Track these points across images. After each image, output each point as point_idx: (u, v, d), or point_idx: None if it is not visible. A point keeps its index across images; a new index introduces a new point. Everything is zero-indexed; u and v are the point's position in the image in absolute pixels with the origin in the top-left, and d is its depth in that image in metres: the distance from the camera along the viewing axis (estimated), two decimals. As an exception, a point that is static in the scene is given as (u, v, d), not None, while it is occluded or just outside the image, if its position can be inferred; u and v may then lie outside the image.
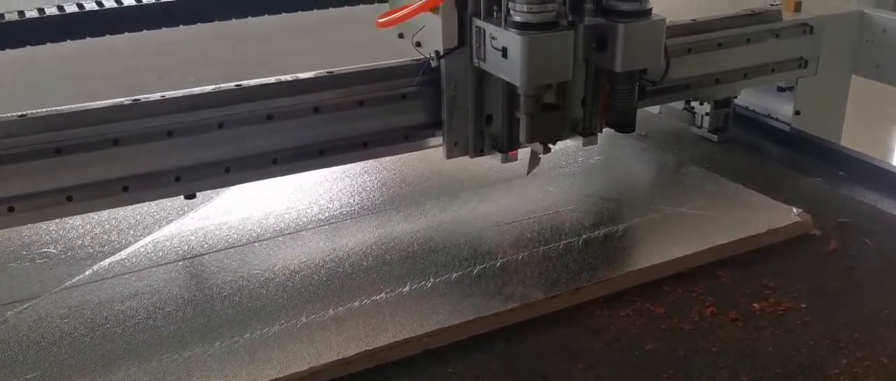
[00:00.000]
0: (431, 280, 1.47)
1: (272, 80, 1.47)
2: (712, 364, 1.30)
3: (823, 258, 1.58)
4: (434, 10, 1.47)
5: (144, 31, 1.62)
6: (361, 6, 1.82)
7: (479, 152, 1.60)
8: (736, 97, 2.03)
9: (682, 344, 1.35)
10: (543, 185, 1.81)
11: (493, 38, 1.44)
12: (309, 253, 1.57)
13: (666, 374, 1.29)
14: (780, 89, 2.07)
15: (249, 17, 1.74)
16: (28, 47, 1.55)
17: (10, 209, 1.35)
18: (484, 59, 1.48)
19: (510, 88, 1.53)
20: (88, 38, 1.59)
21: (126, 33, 1.60)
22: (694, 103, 2.07)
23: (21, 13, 1.54)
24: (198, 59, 1.86)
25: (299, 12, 1.83)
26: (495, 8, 1.44)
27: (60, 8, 1.57)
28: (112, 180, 1.40)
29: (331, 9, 1.77)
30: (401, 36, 1.57)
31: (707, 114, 2.04)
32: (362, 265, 1.52)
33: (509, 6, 1.39)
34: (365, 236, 1.63)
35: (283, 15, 1.83)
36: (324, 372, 1.27)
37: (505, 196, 1.77)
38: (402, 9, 1.47)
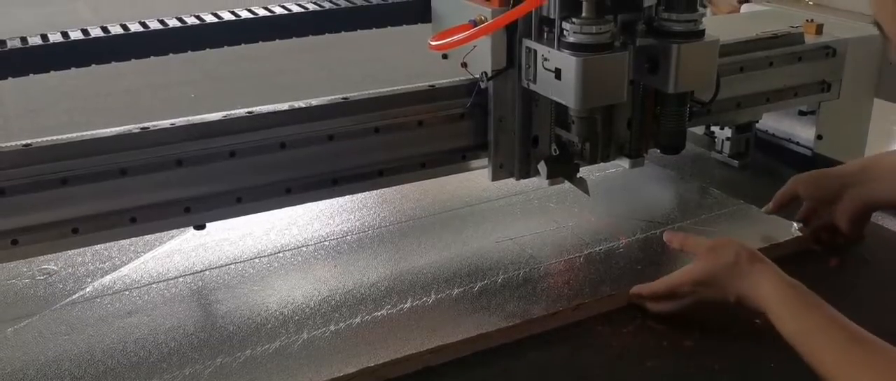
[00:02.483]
0: (433, 296, 1.47)
1: (285, 106, 1.46)
2: (714, 381, 1.31)
3: (824, 275, 1.57)
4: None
5: (151, 57, 1.59)
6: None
7: (524, 175, 1.61)
8: (757, 121, 2.01)
9: (684, 361, 1.35)
10: (544, 202, 1.81)
11: (545, 59, 1.43)
12: (310, 269, 1.57)
13: (668, 391, 1.29)
14: (802, 113, 2.04)
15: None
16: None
17: (14, 242, 1.33)
18: (534, 81, 1.48)
19: (559, 110, 1.54)
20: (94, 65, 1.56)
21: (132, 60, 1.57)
22: (714, 128, 2.04)
23: (24, 39, 1.53)
24: (196, 76, 1.86)
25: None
26: (546, 29, 1.44)
27: (64, 34, 1.56)
28: (119, 211, 1.38)
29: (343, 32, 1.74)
30: (445, 57, 1.56)
31: (728, 139, 2.02)
32: (364, 281, 1.52)
33: (563, 27, 1.39)
34: (366, 252, 1.63)
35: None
36: (325, 389, 1.27)
37: (506, 213, 1.77)
38: (457, 31, 1.46)
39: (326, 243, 1.66)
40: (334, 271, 1.56)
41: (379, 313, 1.43)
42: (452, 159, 1.61)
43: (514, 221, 1.74)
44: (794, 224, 1.66)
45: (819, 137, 2.02)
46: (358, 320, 1.41)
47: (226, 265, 1.58)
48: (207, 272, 1.56)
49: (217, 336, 1.38)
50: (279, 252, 1.62)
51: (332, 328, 1.39)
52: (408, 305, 1.45)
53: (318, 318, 1.42)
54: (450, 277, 1.53)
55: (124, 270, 1.58)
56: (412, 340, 1.35)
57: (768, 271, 1.28)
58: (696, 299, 1.37)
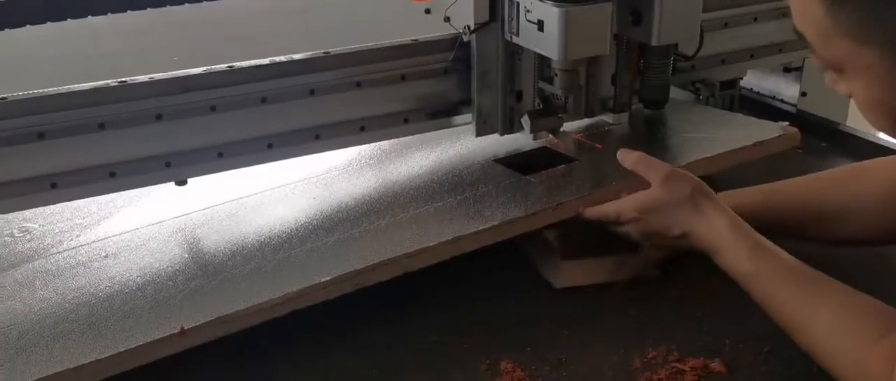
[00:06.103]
0: (411, 211, 1.43)
1: (266, 61, 1.45)
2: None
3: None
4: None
5: (128, 11, 1.61)
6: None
7: (508, 130, 1.59)
8: (742, 78, 1.99)
9: (670, 308, 1.32)
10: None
11: (527, 11, 1.43)
12: (288, 203, 1.52)
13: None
14: (787, 70, 2.02)
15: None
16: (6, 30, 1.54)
17: (-10, 198, 1.31)
18: (517, 33, 1.47)
19: (542, 63, 1.53)
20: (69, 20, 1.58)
21: (109, 14, 1.60)
22: (699, 84, 1.99)
23: (-3, -6, 1.54)
24: (177, 40, 1.88)
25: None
26: None
27: (39, -12, 1.58)
28: (98, 166, 1.37)
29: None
30: (428, 11, 1.57)
31: (712, 96, 1.97)
32: (341, 207, 1.48)
33: None
34: (346, 182, 1.58)
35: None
36: (299, 298, 1.23)
37: (491, 136, 1.69)
38: None
39: (304, 181, 1.60)
40: (312, 201, 1.51)
41: (356, 231, 1.38)
42: (436, 115, 1.60)
43: (499, 142, 1.66)
44: (782, 124, 1.62)
45: (803, 94, 1.99)
46: (334, 238, 1.37)
47: (205, 209, 1.54)
48: (185, 216, 1.52)
49: (193, 266, 1.35)
50: (257, 193, 1.57)
51: (309, 245, 1.35)
52: (385, 221, 1.41)
53: (295, 241, 1.38)
54: (429, 195, 1.48)
55: (103, 223, 1.54)
56: (390, 248, 1.31)
57: (723, 211, 1.25)
58: (639, 227, 1.32)
